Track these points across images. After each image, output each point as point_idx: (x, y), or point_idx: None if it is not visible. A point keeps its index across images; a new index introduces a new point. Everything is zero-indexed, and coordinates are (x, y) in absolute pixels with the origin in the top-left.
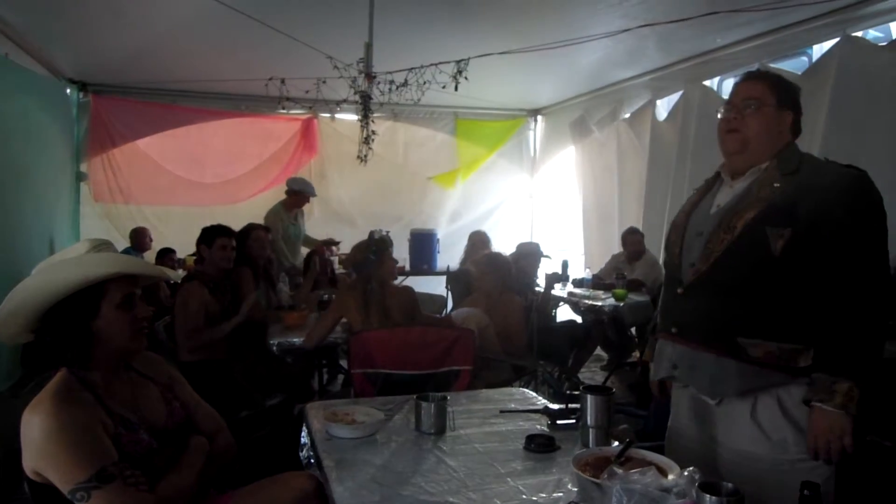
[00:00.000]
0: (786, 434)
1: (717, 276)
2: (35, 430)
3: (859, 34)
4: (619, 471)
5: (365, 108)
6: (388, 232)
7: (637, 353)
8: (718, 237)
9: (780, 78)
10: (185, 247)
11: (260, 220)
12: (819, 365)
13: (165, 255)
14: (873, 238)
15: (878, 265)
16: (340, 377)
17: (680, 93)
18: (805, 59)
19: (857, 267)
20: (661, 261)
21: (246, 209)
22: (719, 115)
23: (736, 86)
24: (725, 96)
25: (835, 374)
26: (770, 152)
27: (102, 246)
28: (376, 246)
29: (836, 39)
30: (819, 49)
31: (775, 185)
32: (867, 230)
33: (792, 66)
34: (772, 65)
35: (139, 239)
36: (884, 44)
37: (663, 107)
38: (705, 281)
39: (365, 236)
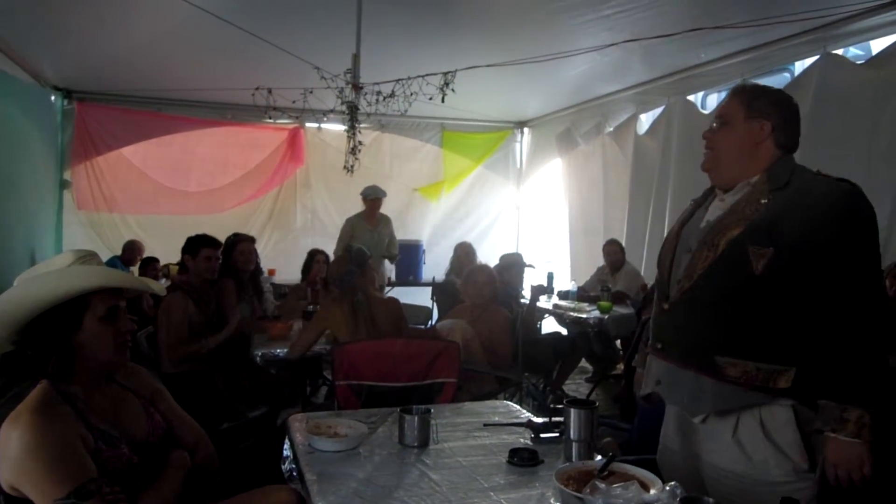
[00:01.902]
0: (767, 456)
1: (699, 293)
2: (13, 444)
3: (840, 52)
4: (602, 485)
5: (352, 118)
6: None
7: (621, 366)
8: (702, 254)
9: (758, 88)
10: (169, 256)
11: (245, 230)
12: (824, 392)
13: (149, 265)
14: (865, 256)
15: (873, 283)
16: (324, 388)
17: (662, 107)
18: (788, 75)
19: (851, 287)
20: (647, 271)
21: (231, 218)
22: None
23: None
24: (707, 111)
25: (843, 401)
26: (750, 166)
27: (87, 258)
28: (356, 258)
29: (817, 56)
30: (801, 66)
31: (762, 201)
32: (858, 248)
33: (774, 82)
34: (754, 81)
35: (130, 252)
36: (861, 61)
37: (647, 120)
38: (688, 298)
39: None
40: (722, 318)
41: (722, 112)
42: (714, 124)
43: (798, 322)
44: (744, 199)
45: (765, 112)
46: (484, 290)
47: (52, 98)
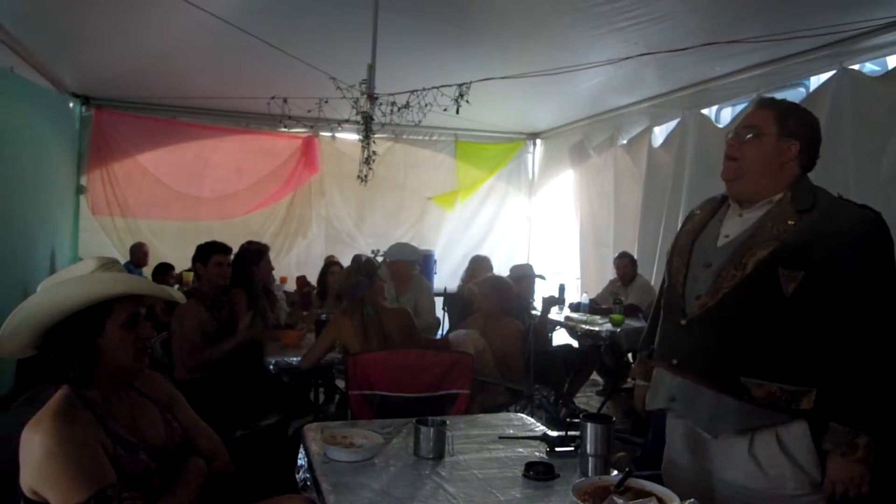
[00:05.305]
0: (783, 470)
1: (725, 312)
2: (35, 448)
3: (856, 67)
4: (619, 500)
5: (366, 128)
6: (376, 252)
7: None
8: (729, 273)
9: (790, 106)
10: (181, 262)
11: (257, 237)
12: (836, 414)
13: (163, 272)
14: (887, 284)
15: (892, 310)
16: (336, 397)
17: (677, 120)
18: (803, 90)
19: (872, 316)
20: (659, 285)
21: (243, 225)
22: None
23: (743, 112)
24: (722, 125)
25: (856, 426)
26: (772, 184)
27: (110, 265)
28: (366, 268)
29: (833, 72)
30: (817, 81)
31: (789, 222)
32: (881, 276)
33: (790, 96)
34: (770, 95)
35: (138, 255)
36: (877, 76)
37: (660, 134)
38: (711, 316)
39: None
40: (748, 338)
41: (753, 122)
42: (747, 134)
43: (821, 345)
44: (769, 218)
45: (795, 132)
46: (488, 298)
47: (71, 105)
